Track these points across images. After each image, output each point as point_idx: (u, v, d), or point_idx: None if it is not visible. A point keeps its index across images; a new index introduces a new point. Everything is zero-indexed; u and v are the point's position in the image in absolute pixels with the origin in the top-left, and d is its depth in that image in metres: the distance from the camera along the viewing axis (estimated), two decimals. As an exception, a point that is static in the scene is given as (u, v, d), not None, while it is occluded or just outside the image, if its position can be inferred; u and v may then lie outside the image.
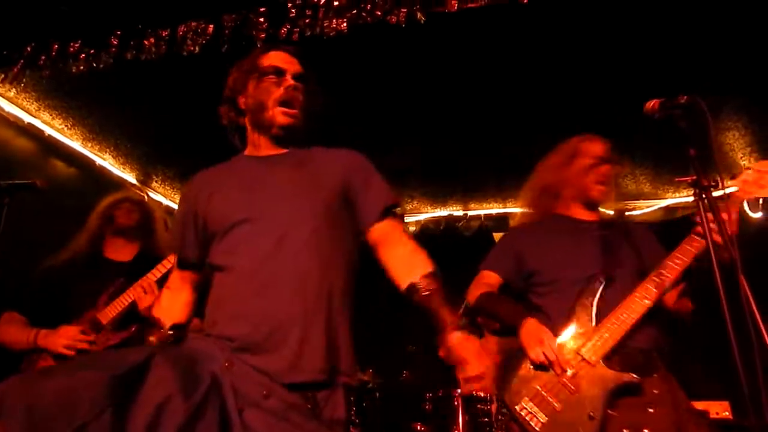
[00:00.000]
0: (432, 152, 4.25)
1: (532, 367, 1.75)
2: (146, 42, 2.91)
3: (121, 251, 2.48)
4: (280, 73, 1.53)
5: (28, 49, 3.07)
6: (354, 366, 1.37)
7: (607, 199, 1.99)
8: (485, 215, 5.31)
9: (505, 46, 3.03)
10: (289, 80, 1.51)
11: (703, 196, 1.35)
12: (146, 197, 4.82)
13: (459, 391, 3.10)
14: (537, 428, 1.64)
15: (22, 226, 2.38)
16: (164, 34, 2.94)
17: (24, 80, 3.20)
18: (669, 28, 2.86)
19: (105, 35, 2.99)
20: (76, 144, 4.15)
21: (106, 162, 4.43)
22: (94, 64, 2.99)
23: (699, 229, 1.68)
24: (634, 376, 1.64)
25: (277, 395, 1.21)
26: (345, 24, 2.61)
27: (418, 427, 3.19)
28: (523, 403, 1.69)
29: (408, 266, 1.40)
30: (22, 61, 3.04)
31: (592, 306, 1.77)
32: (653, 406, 1.62)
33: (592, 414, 1.61)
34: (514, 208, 5.25)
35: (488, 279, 2.05)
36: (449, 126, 3.88)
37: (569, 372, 1.69)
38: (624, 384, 1.63)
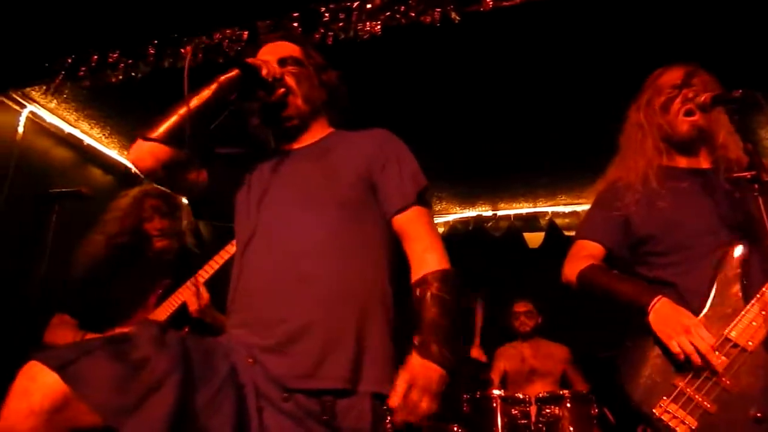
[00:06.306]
0: (461, 152, 4.23)
1: (667, 359, 1.39)
2: (183, 50, 2.96)
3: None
4: None
5: (69, 60, 3.15)
6: (388, 372, 1.28)
7: (702, 129, 1.58)
8: (515, 215, 5.24)
9: (540, 44, 3.00)
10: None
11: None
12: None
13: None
14: None
15: (63, 232, 2.45)
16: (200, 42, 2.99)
17: (65, 92, 3.28)
18: (702, 26, 2.80)
19: (142, 44, 3.06)
20: (113, 152, 4.25)
21: (141, 169, 4.51)
22: (132, 74, 3.06)
23: None
24: None
25: (295, 400, 1.18)
26: (379, 26, 2.61)
27: (455, 429, 3.16)
28: (662, 405, 1.35)
29: (417, 265, 1.35)
30: (63, 72, 3.13)
31: (737, 279, 1.42)
32: None
33: (759, 414, 1.30)
34: (544, 208, 5.19)
35: (589, 250, 1.65)
36: (479, 125, 3.86)
37: (721, 362, 1.35)
38: None
